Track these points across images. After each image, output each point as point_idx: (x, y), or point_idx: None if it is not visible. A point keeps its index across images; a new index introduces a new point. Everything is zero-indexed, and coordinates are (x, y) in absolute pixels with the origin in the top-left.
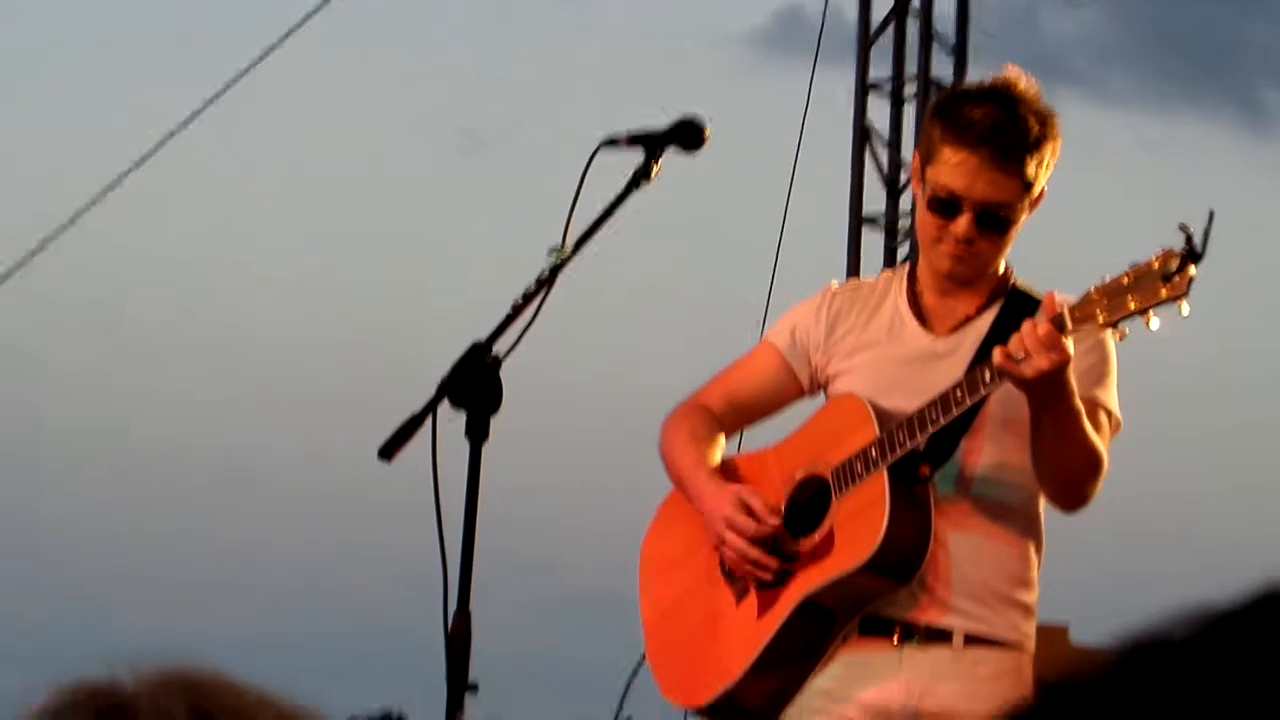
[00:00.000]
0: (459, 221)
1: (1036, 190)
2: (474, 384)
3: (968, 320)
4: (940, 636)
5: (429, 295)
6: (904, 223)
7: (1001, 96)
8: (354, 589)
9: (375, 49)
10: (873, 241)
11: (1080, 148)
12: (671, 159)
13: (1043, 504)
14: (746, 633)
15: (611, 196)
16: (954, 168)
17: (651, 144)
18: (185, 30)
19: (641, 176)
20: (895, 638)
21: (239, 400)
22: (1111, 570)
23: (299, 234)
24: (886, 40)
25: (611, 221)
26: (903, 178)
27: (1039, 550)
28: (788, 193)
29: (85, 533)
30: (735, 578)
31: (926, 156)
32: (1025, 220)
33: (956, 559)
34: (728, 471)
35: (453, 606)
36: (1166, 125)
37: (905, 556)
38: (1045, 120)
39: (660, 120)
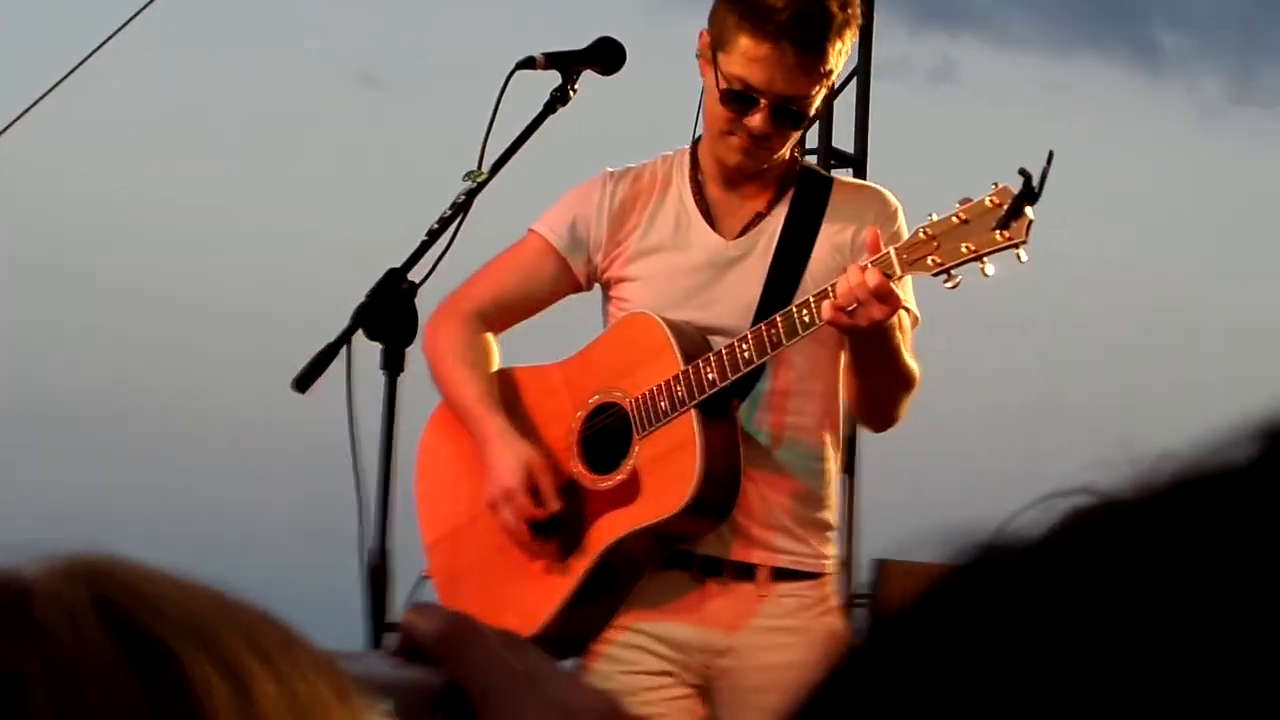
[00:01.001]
0: (369, 158)
1: (833, 77)
2: (390, 313)
3: (759, 217)
4: (745, 572)
5: (342, 232)
6: (810, 158)
7: None
8: (270, 528)
9: None
10: None
11: (978, 89)
12: (588, 83)
13: (841, 409)
14: (544, 580)
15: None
16: (751, 60)
17: (569, 64)
18: None
19: (558, 99)
20: (696, 572)
21: (146, 339)
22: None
23: (204, 183)
24: None
25: (527, 146)
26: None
27: (837, 457)
28: (693, 129)
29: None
30: None
31: (719, 41)
32: (819, 107)
33: (760, 486)
34: (507, 386)
35: (370, 544)
36: (1066, 67)
37: (719, 499)
38: (846, 2)
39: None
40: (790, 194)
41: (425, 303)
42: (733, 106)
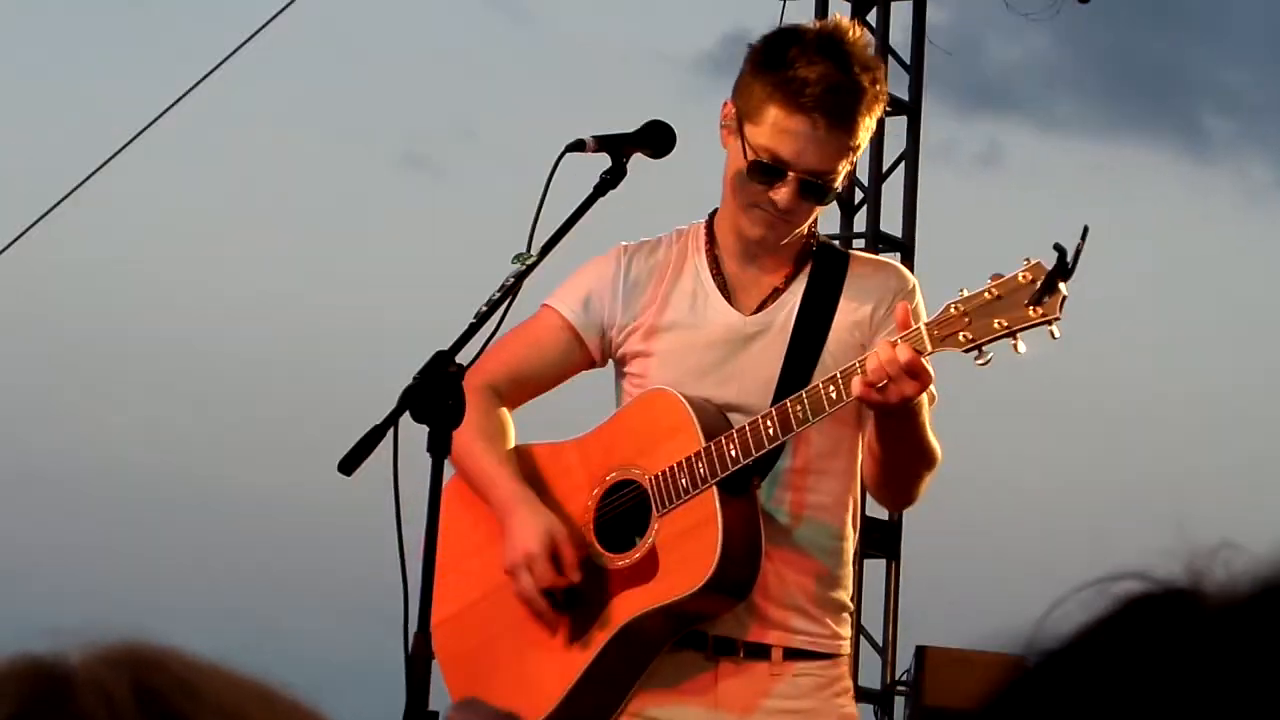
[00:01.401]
0: (416, 239)
1: (860, 151)
2: (437, 395)
3: (776, 293)
4: (760, 653)
5: (389, 314)
6: (858, 243)
7: (834, 50)
8: (313, 614)
9: (325, 66)
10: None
11: (1025, 172)
12: (638, 166)
13: (857, 488)
14: (557, 659)
15: (577, 203)
16: (782, 132)
17: (619, 147)
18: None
19: (609, 182)
20: (710, 652)
21: (192, 421)
22: None
23: (252, 257)
24: None
25: (576, 229)
26: (857, 196)
27: (855, 537)
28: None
29: (32, 551)
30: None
31: (747, 112)
32: (845, 182)
33: (778, 566)
34: (524, 462)
35: (413, 629)
36: (1111, 151)
37: (739, 578)
38: (876, 78)
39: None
40: (808, 269)
41: None
42: (760, 179)
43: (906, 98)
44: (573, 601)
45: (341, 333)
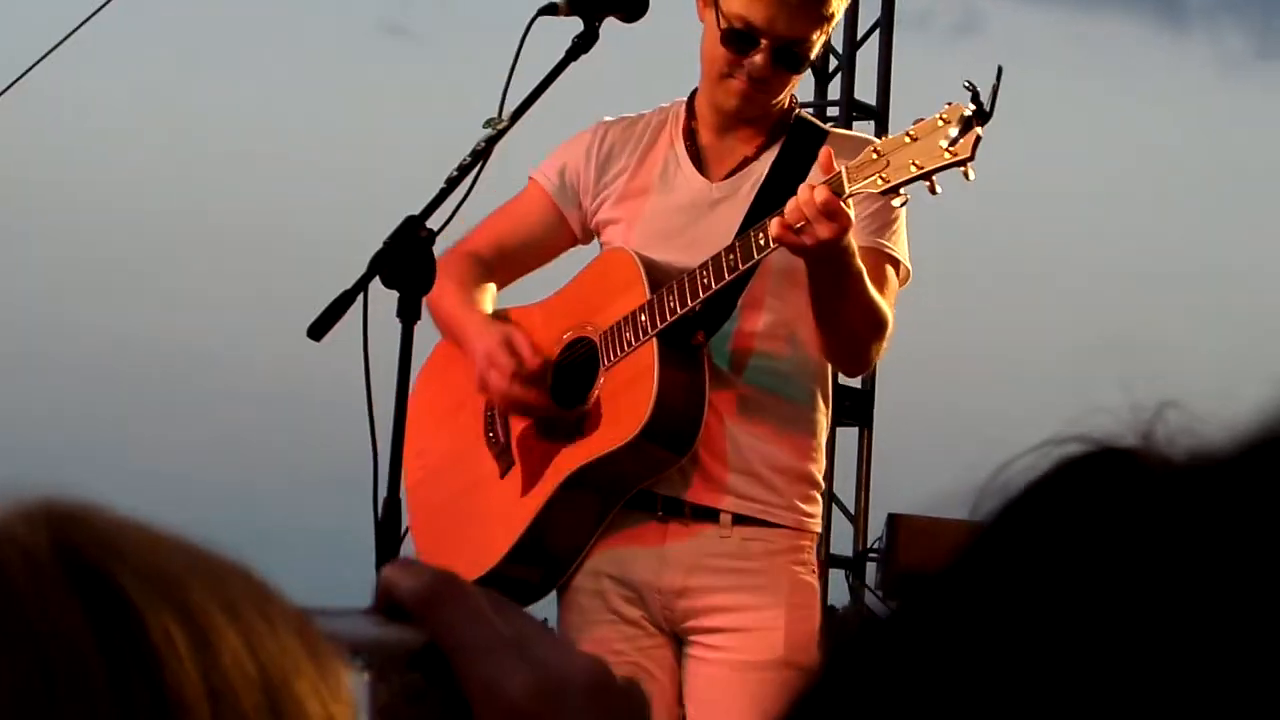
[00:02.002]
0: (391, 105)
1: (833, 23)
2: (407, 260)
3: (746, 161)
4: (708, 515)
5: (364, 181)
6: (832, 111)
7: None
8: (285, 476)
9: None
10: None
11: (1003, 41)
12: (611, 30)
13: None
14: (509, 510)
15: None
16: (754, 0)
17: (591, 11)
18: None
19: (580, 46)
20: (659, 512)
21: (159, 284)
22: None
23: (225, 122)
24: None
25: (549, 93)
26: (831, 64)
27: (827, 410)
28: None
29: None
30: (498, 445)
31: None
32: (818, 53)
33: (732, 431)
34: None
35: (383, 493)
36: (1090, 20)
37: (677, 431)
38: None
39: None
40: (781, 141)
41: (443, 250)
42: (733, 47)
43: None
44: (531, 459)
45: (314, 196)
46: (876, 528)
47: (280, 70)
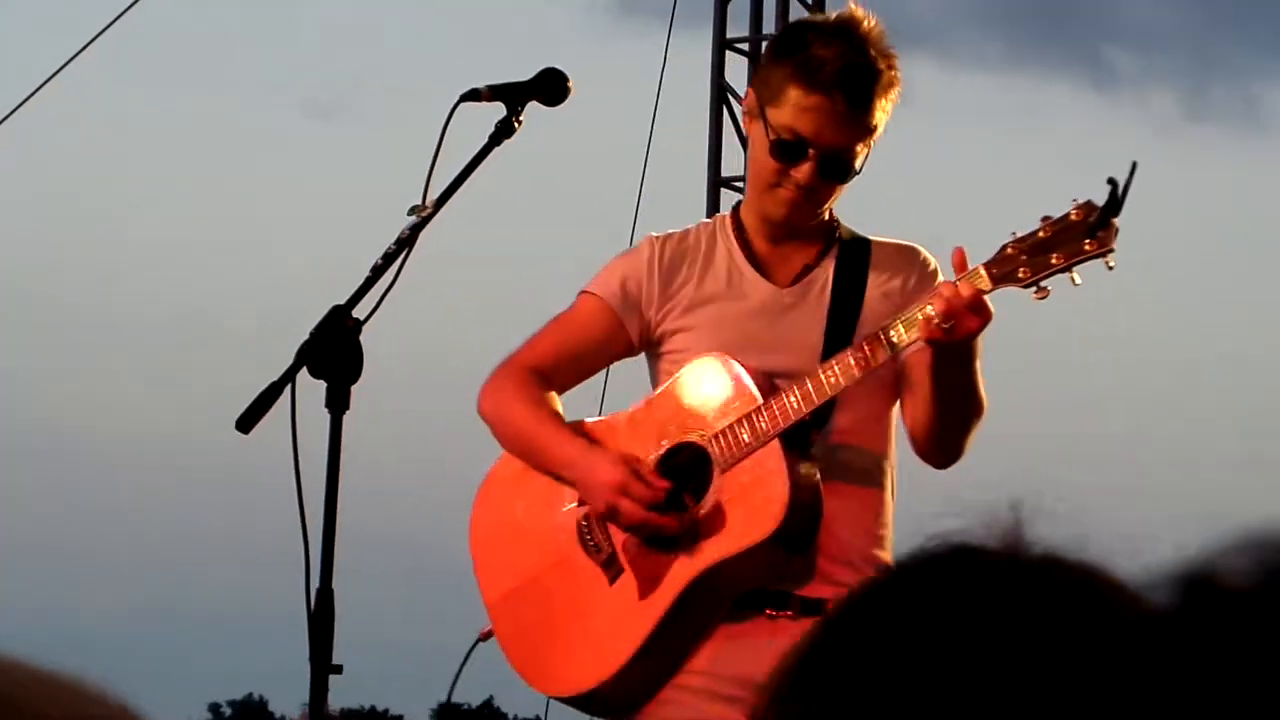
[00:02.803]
0: (317, 185)
1: (876, 136)
2: (334, 350)
3: (808, 268)
4: (814, 609)
5: (286, 264)
6: None
7: (850, 35)
8: (215, 572)
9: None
10: (733, 202)
11: (929, 108)
12: (534, 115)
13: (895, 451)
14: (627, 616)
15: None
16: (802, 111)
17: (513, 97)
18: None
19: (503, 131)
20: (768, 610)
21: (90, 378)
22: None
23: (149, 209)
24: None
25: (472, 179)
26: None
27: (894, 498)
28: (645, 155)
29: None
30: (601, 553)
31: (769, 96)
32: (863, 165)
33: (830, 523)
34: (576, 433)
35: (315, 586)
36: (1018, 85)
37: (803, 531)
38: (891, 62)
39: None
40: (835, 249)
41: (370, 339)
42: (782, 157)
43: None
44: (645, 564)
45: (246, 286)
46: None
47: (204, 154)
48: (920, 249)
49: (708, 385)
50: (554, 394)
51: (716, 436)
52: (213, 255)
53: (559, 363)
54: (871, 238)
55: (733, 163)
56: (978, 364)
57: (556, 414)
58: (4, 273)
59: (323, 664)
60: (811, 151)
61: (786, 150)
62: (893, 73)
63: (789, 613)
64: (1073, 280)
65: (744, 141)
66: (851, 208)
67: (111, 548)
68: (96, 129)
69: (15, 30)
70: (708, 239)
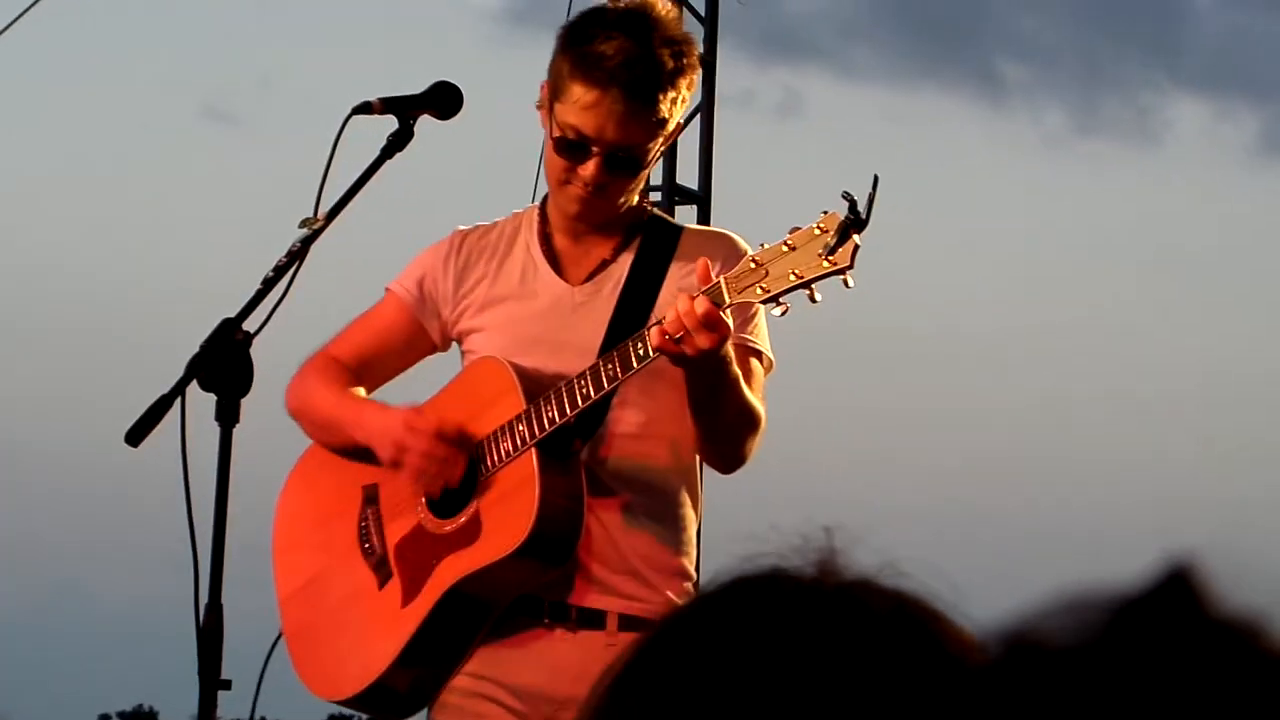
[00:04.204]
0: (207, 197)
1: (670, 127)
2: (224, 363)
3: (605, 264)
4: (594, 620)
5: (176, 276)
6: (654, 196)
7: (635, 26)
8: (105, 582)
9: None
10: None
11: (824, 121)
12: (426, 127)
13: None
14: (391, 622)
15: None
16: (583, 109)
17: (406, 109)
18: None
19: (395, 144)
20: (545, 619)
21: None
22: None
23: (44, 215)
24: None
25: (364, 192)
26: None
27: (695, 505)
28: (537, 171)
29: None
30: (374, 556)
31: (555, 91)
32: (657, 156)
33: (610, 530)
34: None
35: (204, 600)
36: (910, 99)
37: (559, 540)
38: (681, 51)
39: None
40: (638, 241)
41: (260, 353)
42: (566, 155)
43: (701, 49)
44: (410, 571)
45: (131, 296)
46: None
47: (101, 156)
48: (734, 236)
49: (480, 387)
50: (360, 386)
51: (483, 442)
52: (103, 259)
53: (362, 361)
54: (686, 225)
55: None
56: (736, 373)
57: (351, 391)
58: None
59: (212, 678)
60: (595, 149)
61: (570, 149)
62: (682, 61)
63: (566, 623)
64: (811, 297)
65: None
66: (739, 222)
67: (6, 551)
68: None
69: None
70: (510, 233)
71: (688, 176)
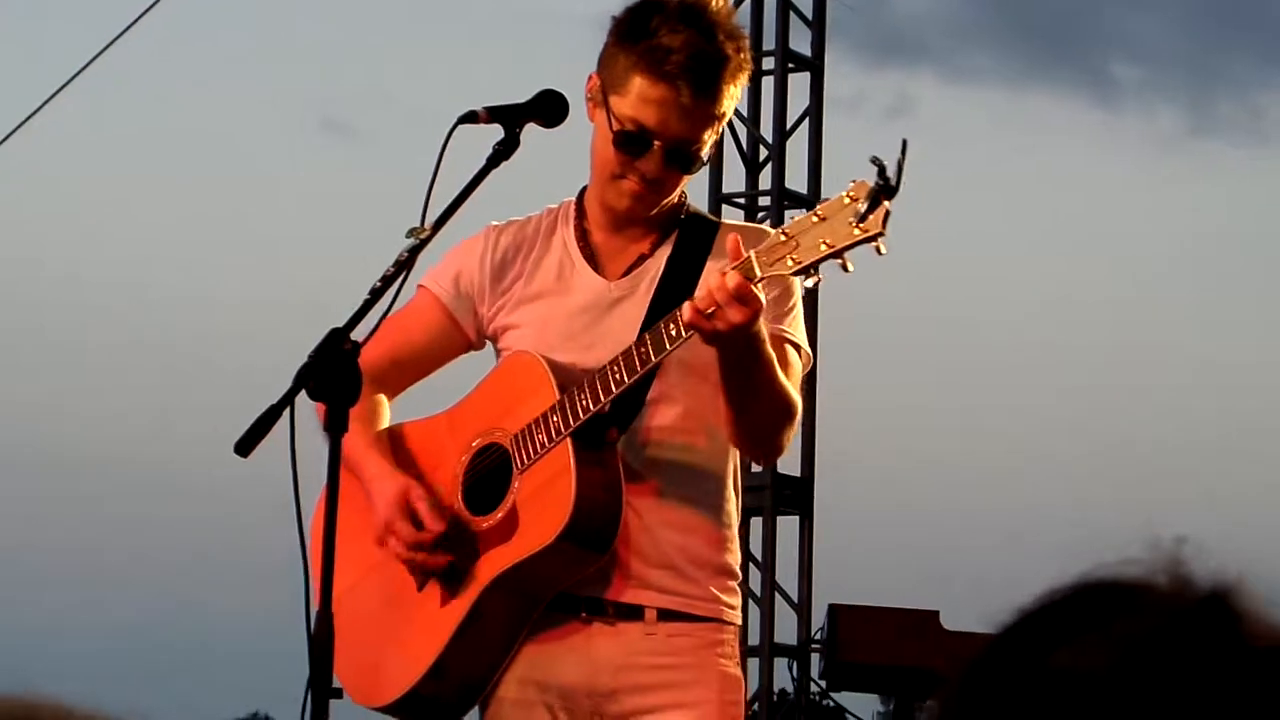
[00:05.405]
0: (325, 209)
1: (724, 121)
2: (332, 372)
3: (642, 259)
4: (631, 614)
5: (287, 287)
6: (764, 200)
7: (696, 19)
8: (217, 594)
9: (228, 37)
10: (733, 219)
11: (934, 123)
12: (532, 135)
13: (735, 452)
14: (429, 623)
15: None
16: (647, 102)
17: (511, 118)
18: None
19: (501, 153)
20: (582, 613)
21: (103, 400)
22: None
23: (164, 226)
24: (743, 15)
25: (471, 201)
26: (761, 154)
27: (738, 500)
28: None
29: None
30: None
31: (612, 84)
32: (711, 151)
33: (649, 525)
34: (397, 441)
35: (315, 608)
36: (1021, 101)
37: (597, 530)
38: (739, 45)
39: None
40: (674, 236)
41: None
42: (626, 149)
43: (809, 53)
44: (452, 565)
45: (250, 305)
46: (819, 616)
47: (218, 167)
48: (769, 229)
49: (515, 383)
50: (381, 397)
51: (517, 436)
52: (208, 274)
53: (393, 363)
54: (724, 222)
55: (733, 179)
56: (770, 355)
57: (374, 426)
58: (15, 298)
59: (323, 688)
60: (657, 144)
61: (631, 142)
62: (741, 56)
63: (604, 617)
64: (844, 267)
65: (744, 158)
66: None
67: (115, 573)
68: (109, 135)
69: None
70: (546, 227)
71: (797, 181)
